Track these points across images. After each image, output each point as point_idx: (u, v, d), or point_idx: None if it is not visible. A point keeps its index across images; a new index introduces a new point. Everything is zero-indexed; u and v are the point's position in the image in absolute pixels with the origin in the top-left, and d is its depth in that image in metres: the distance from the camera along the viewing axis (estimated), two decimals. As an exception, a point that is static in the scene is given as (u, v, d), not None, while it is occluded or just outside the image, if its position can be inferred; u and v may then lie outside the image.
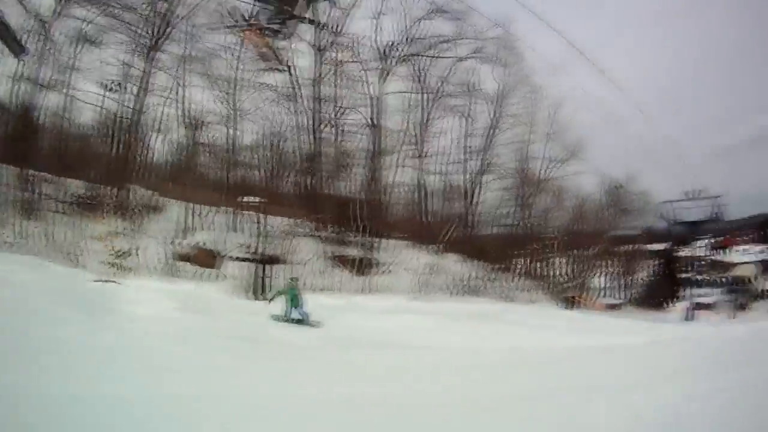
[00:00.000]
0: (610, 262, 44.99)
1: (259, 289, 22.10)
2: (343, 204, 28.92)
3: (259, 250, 24.59)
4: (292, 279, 19.42)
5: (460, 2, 32.77)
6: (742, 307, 60.15)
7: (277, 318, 17.10)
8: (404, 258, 26.83)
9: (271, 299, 18.01)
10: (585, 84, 22.51)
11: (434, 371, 10.78)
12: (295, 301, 17.45)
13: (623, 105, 24.06)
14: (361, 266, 26.25)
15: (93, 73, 26.88)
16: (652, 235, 49.60)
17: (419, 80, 34.83)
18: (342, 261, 26.39)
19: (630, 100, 23.04)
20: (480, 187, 35.52)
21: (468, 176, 35.40)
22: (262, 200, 29.38)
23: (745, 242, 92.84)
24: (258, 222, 25.93)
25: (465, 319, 18.50)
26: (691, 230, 35.38)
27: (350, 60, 32.78)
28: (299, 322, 17.06)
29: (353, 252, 26.56)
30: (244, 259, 23.26)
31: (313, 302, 19.57)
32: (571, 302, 29.77)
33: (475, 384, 9.49)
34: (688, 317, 34.00)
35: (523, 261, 35.37)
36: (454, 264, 28.56)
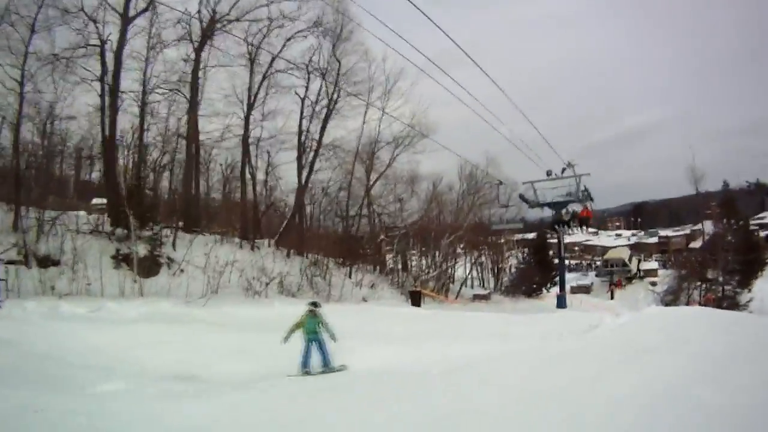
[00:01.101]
0: (476, 252, 42.14)
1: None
2: (138, 194, 23.04)
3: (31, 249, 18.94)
4: (311, 304, 10.98)
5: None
6: (619, 285, 60.55)
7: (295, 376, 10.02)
8: (207, 255, 21.26)
9: (286, 338, 10.20)
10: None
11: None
12: (313, 336, 10.39)
13: (496, 101, 21.19)
14: (148, 265, 20.49)
15: None
16: (525, 224, 47.62)
17: (249, 55, 29.45)
18: (126, 260, 20.48)
19: (503, 96, 20.00)
20: (314, 173, 30.76)
21: (304, 161, 30.47)
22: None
23: (618, 227, 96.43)
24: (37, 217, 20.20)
25: (236, 331, 13.21)
26: (557, 210, 31.69)
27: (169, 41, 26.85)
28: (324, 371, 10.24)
29: (140, 249, 20.70)
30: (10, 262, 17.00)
31: (40, 309, 14.46)
32: (417, 297, 25.38)
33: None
34: (561, 304, 30.62)
35: (366, 253, 30.95)
36: (270, 261, 23.42)
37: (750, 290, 33.94)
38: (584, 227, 32.83)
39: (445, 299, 30.40)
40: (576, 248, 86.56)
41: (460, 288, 36.34)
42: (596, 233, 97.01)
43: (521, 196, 32.69)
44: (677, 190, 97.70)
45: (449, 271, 36.16)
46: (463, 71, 17.57)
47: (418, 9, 12.82)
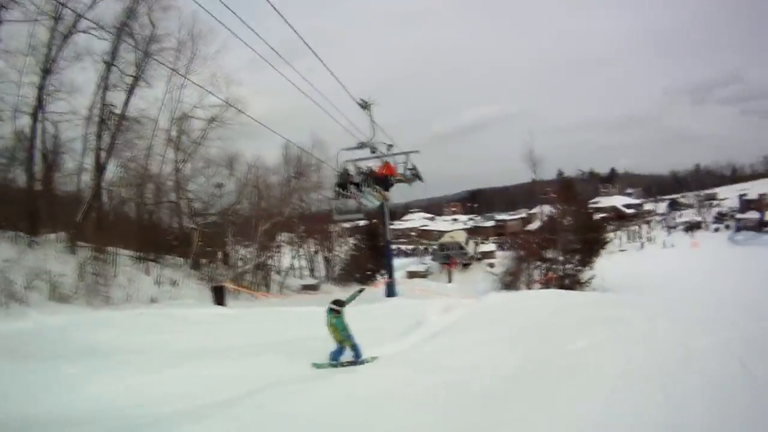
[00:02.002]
0: (302, 239, 40.76)
1: None
2: None
3: None
4: (334, 303, 10.12)
5: None
6: (454, 264, 62.13)
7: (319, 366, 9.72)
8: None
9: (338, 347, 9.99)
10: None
11: None
12: (345, 334, 9.95)
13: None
14: None
15: None
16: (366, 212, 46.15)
17: (53, 13, 25.07)
18: None
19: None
20: (116, 152, 27.20)
21: (104, 139, 26.91)
22: None
23: (455, 213, 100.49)
24: None
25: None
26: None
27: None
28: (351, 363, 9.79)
29: None
30: None
31: None
32: (220, 294, 23.05)
33: None
34: (391, 292, 29.14)
35: (173, 245, 28.25)
36: (46, 258, 20.10)
37: (591, 268, 35.48)
38: (386, 189, 25.00)
39: (264, 294, 28.54)
40: (413, 233, 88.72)
41: (284, 279, 34.83)
42: (433, 218, 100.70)
43: (341, 176, 30.28)
44: (513, 178, 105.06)
45: (271, 261, 34.44)
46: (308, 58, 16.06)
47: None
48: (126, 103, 27.49)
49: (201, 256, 28.86)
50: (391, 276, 30.26)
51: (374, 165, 24.08)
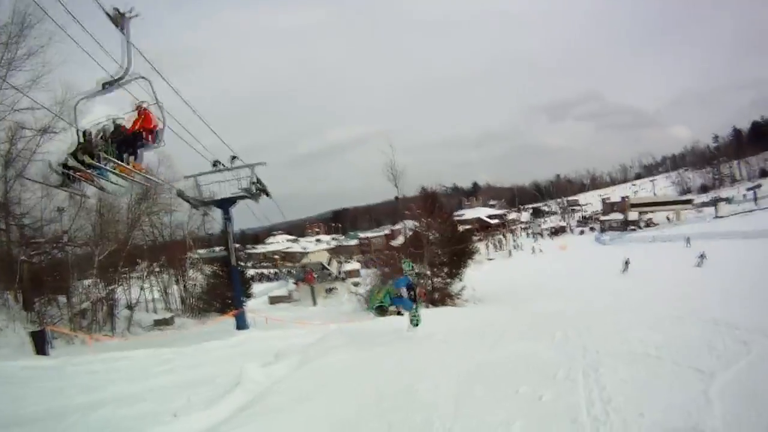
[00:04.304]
0: (160, 269, 37.56)
1: None
2: None
3: None
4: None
5: None
6: (312, 280, 60.03)
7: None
8: None
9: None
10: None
11: None
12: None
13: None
14: None
15: None
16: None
17: None
18: None
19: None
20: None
21: None
22: None
23: (318, 233, 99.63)
24: None
25: None
26: (224, 208, 25.53)
27: None
28: None
29: None
30: None
31: None
32: (42, 340, 19.25)
33: None
34: (241, 324, 25.51)
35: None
36: None
37: (461, 279, 35.57)
38: (134, 155, 11.41)
39: (102, 337, 24.81)
40: (276, 256, 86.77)
41: (132, 315, 31.49)
42: (296, 240, 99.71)
43: (180, 194, 25.82)
44: (377, 197, 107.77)
45: (116, 294, 30.96)
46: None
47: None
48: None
49: (34, 294, 24.78)
50: (240, 305, 26.58)
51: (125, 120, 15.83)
